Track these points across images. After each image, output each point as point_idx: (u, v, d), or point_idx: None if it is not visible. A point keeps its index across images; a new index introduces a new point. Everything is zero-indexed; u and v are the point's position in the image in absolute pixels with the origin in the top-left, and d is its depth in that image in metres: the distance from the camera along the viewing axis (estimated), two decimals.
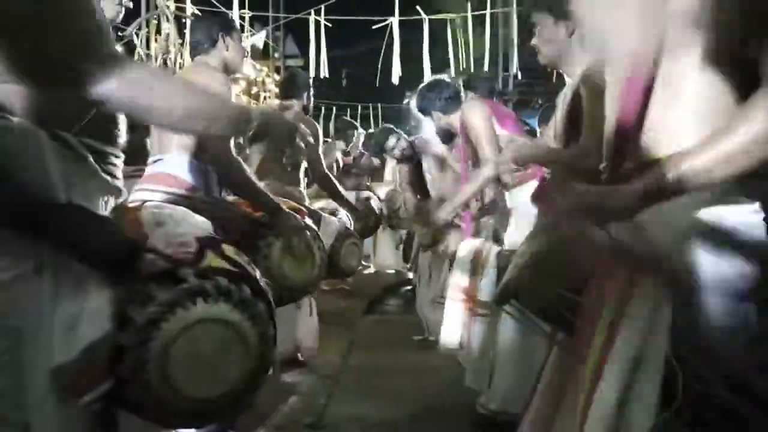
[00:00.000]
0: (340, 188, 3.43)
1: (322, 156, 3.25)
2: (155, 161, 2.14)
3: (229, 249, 1.10)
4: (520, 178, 2.53)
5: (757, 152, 0.86)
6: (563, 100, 1.84)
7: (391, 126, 4.40)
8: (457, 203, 2.82)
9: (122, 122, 1.13)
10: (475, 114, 2.74)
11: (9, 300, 0.91)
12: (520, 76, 7.47)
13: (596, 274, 0.97)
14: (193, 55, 2.45)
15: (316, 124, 3.31)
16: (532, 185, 2.31)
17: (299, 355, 3.06)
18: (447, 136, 3.29)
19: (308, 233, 2.22)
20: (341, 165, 5.60)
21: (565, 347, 1.11)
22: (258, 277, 1.10)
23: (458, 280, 2.52)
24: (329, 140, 5.76)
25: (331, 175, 3.37)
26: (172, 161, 2.09)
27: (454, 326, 2.47)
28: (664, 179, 0.90)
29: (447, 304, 2.51)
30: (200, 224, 1.11)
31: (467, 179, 2.89)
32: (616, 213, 0.94)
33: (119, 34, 3.56)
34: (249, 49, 5.97)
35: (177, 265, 1.00)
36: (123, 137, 1.13)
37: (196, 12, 5.46)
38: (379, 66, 6.74)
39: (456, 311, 2.48)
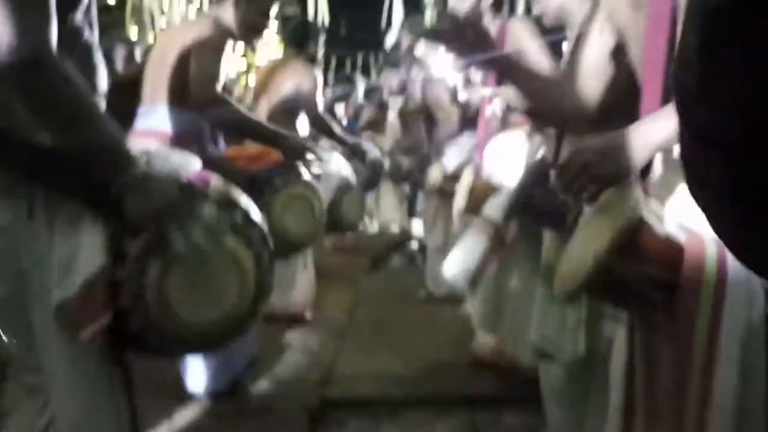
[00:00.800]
0: (337, 128, 3.27)
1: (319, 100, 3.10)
2: (144, 112, 2.03)
3: (217, 182, 1.09)
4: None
5: None
6: (567, 50, 1.73)
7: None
8: None
9: (102, 72, 1.11)
10: (526, 30, 2.29)
11: (8, 244, 0.93)
12: None
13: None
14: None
15: (315, 71, 3.14)
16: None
17: (294, 310, 2.97)
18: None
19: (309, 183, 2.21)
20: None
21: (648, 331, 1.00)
22: (252, 209, 1.10)
23: (492, 215, 2.32)
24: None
25: (326, 117, 3.20)
26: (158, 114, 1.98)
27: (469, 255, 2.28)
28: None
29: (469, 233, 2.33)
30: (186, 162, 1.07)
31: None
32: None
33: None
34: None
35: None
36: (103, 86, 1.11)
37: None
38: (384, 10, 6.47)
39: (477, 243, 2.28)
